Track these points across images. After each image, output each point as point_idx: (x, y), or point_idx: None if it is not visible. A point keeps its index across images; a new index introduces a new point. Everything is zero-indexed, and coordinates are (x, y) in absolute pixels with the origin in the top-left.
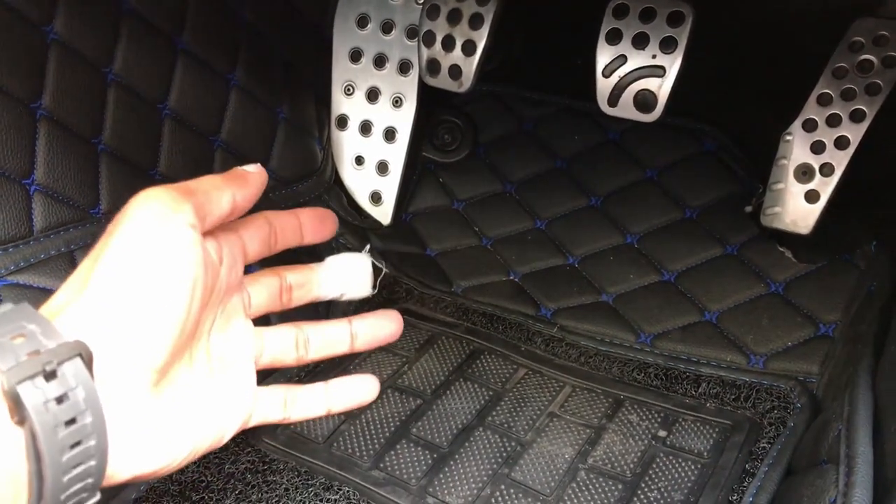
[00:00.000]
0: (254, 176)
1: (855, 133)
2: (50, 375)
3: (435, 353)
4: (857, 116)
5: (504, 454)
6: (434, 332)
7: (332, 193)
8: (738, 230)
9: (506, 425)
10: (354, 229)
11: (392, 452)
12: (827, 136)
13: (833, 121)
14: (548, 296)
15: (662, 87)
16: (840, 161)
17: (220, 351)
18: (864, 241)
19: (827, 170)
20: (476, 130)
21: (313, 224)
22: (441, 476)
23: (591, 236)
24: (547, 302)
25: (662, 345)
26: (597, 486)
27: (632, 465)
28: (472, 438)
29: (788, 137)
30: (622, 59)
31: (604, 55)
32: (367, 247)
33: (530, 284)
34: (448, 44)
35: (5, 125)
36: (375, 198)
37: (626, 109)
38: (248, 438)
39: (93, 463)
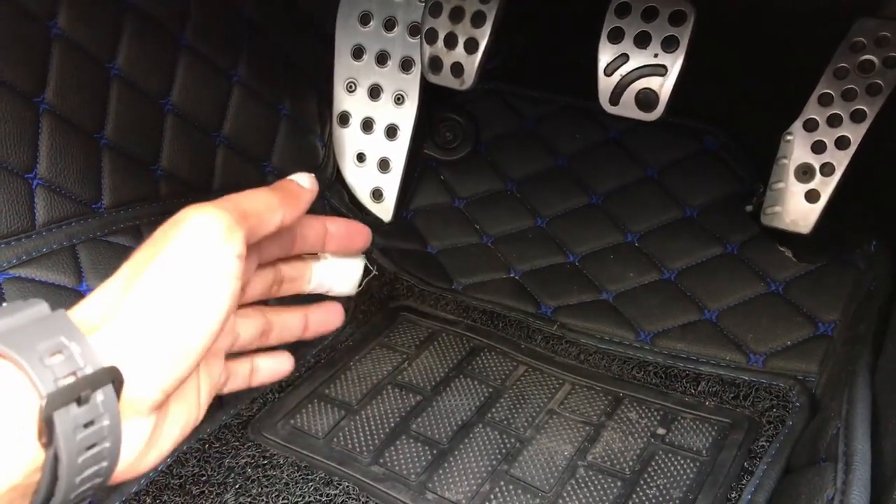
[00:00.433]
0: (306, 194)
1: (856, 133)
2: (82, 401)
3: (435, 349)
4: (857, 117)
5: (503, 451)
6: (434, 329)
7: (334, 190)
8: (739, 229)
9: (505, 422)
10: None
11: (392, 448)
12: (828, 136)
13: (834, 121)
14: (548, 294)
15: (664, 86)
16: (840, 161)
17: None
18: (864, 241)
19: (827, 170)
20: (477, 128)
21: (339, 236)
22: (441, 472)
23: (591, 235)
24: (547, 300)
25: (662, 343)
26: (595, 482)
27: (631, 463)
28: (471, 435)
29: (789, 137)
30: (624, 57)
31: (606, 54)
32: (363, 254)
33: (531, 282)
34: (450, 41)
35: (8, 119)
36: (377, 195)
37: (627, 108)
38: (248, 433)
39: (99, 480)
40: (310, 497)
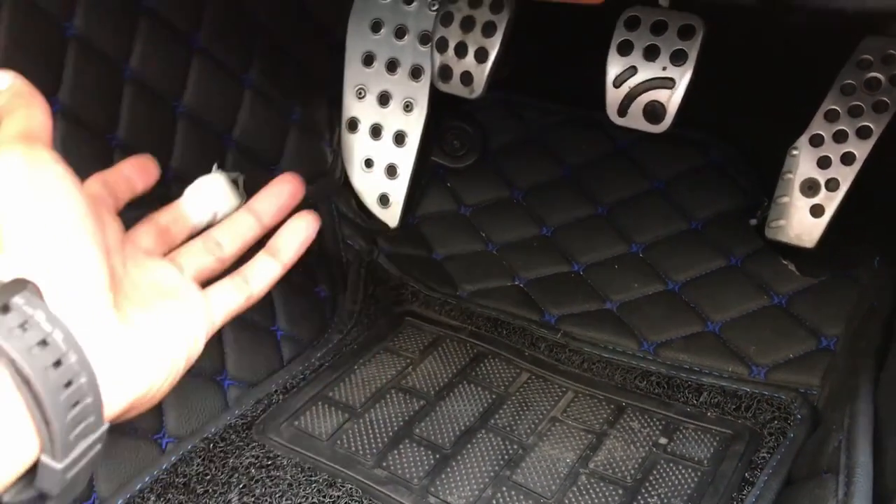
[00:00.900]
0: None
1: (861, 149)
2: (3, 309)
3: (439, 355)
4: (863, 133)
5: (506, 457)
6: (439, 335)
7: (341, 195)
8: (743, 242)
9: (508, 428)
10: (362, 231)
11: (395, 452)
12: (833, 151)
13: (840, 137)
14: (552, 302)
15: (672, 99)
16: (846, 176)
17: (149, 280)
18: (868, 257)
19: (832, 185)
20: (485, 137)
21: (136, 172)
22: (443, 476)
23: (596, 244)
24: (551, 308)
25: (665, 354)
26: (597, 490)
27: (632, 471)
28: (474, 440)
29: (795, 152)
30: (632, 70)
31: (614, 66)
32: (216, 164)
33: (535, 290)
34: (461, 51)
35: None
36: (384, 200)
37: (635, 120)
38: (252, 434)
39: (89, 400)
40: (313, 498)
